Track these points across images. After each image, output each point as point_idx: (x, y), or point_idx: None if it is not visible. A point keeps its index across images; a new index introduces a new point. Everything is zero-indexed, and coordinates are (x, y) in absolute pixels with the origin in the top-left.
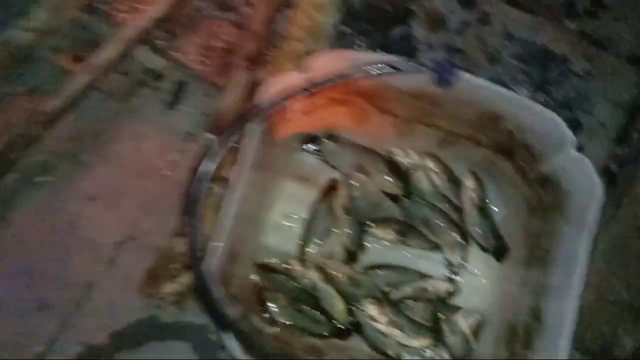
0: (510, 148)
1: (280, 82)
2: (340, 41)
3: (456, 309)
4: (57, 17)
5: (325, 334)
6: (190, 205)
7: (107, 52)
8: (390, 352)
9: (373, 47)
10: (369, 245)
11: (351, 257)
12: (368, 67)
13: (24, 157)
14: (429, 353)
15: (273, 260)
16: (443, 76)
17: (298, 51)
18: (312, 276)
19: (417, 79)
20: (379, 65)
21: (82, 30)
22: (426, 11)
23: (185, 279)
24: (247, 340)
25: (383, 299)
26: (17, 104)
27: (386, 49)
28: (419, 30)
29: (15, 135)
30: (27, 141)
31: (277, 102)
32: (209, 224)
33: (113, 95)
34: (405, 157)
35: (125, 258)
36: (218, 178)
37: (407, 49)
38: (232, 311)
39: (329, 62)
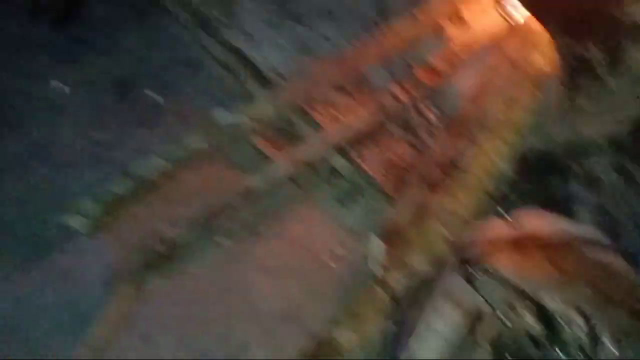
0: None
1: (487, 229)
2: (509, 186)
3: None
4: (271, 109)
5: None
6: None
7: (307, 150)
8: None
9: (534, 195)
10: None
11: None
12: (567, 234)
13: (231, 219)
14: None
15: None
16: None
17: (473, 186)
18: None
19: (604, 251)
20: (579, 236)
21: (286, 124)
22: (584, 172)
23: None
24: None
25: None
26: (219, 175)
27: (546, 199)
28: (575, 187)
29: (215, 200)
30: (226, 207)
31: (480, 248)
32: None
33: (296, 181)
34: (554, 305)
35: (283, 331)
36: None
37: (564, 202)
38: None
39: (532, 221)
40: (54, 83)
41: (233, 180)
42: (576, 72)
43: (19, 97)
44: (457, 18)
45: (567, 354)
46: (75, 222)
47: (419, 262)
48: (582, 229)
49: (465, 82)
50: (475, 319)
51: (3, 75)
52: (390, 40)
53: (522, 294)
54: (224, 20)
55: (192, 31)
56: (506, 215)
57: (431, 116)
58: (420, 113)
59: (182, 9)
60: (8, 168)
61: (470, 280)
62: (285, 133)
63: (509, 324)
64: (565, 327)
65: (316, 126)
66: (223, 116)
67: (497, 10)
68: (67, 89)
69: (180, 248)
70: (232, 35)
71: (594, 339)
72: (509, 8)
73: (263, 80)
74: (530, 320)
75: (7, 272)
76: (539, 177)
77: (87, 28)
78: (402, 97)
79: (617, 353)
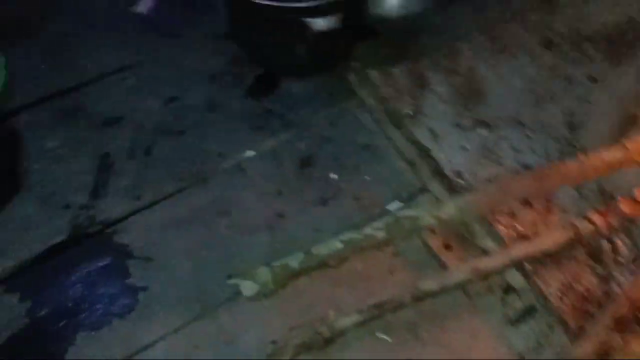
0: None
1: None
2: None
3: None
4: (452, 212)
5: None
6: None
7: (483, 260)
8: None
9: None
10: None
11: None
12: None
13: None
14: None
15: None
16: None
17: None
18: None
19: None
20: None
21: (465, 229)
22: None
23: None
24: None
25: None
26: (389, 267)
27: None
28: None
29: (382, 292)
30: (392, 302)
31: None
32: None
33: (467, 291)
34: None
35: None
36: None
37: None
38: None
39: None
40: (248, 152)
41: (402, 275)
42: None
43: (211, 156)
44: None
45: None
46: (245, 286)
47: None
48: None
49: None
50: None
51: (201, 135)
52: (588, 163)
53: None
54: (412, 115)
55: (378, 119)
56: None
57: (625, 250)
58: (613, 244)
59: (372, 97)
60: (191, 221)
61: None
62: (463, 239)
63: None
64: None
65: (496, 237)
66: (399, 209)
67: None
68: (254, 156)
69: (340, 334)
70: (418, 131)
71: None
72: None
73: (444, 180)
74: None
75: (173, 326)
76: None
77: (279, 102)
78: (596, 223)
79: None
